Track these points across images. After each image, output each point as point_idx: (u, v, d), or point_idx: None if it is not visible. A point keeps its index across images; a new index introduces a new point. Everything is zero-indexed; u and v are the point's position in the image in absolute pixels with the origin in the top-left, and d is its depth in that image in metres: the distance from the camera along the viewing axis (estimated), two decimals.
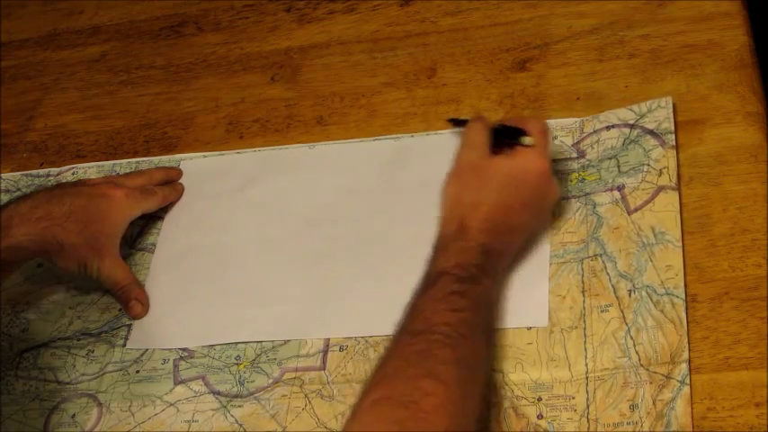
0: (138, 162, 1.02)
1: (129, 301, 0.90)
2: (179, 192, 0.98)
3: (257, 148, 1.00)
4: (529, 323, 0.79)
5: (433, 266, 0.76)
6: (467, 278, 0.74)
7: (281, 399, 0.81)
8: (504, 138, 0.82)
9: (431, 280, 0.75)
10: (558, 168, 0.86)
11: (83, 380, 0.87)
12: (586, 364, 0.75)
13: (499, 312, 0.79)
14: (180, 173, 1.00)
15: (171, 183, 0.99)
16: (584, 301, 0.79)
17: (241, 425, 0.80)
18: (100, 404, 0.85)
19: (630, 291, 0.78)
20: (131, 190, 0.93)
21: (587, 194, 0.85)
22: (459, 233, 0.77)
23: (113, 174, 1.02)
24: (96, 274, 0.90)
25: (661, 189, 0.82)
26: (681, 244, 0.79)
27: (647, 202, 0.82)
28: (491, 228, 0.77)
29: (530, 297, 0.80)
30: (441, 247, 0.78)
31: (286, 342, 0.84)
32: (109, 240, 0.90)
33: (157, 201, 0.96)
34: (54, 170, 1.04)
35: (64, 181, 1.02)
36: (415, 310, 0.73)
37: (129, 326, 0.90)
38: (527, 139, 0.80)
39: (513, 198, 0.79)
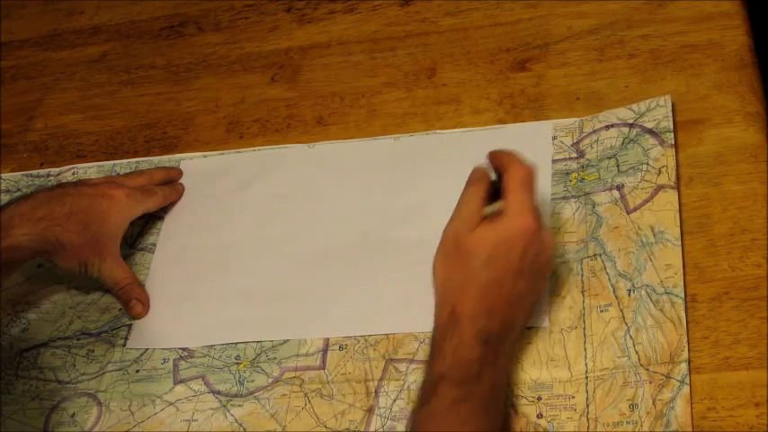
0: (138, 162, 1.02)
1: (130, 300, 0.90)
2: (179, 192, 0.98)
3: (257, 148, 1.00)
4: (529, 323, 0.79)
5: (430, 370, 0.71)
6: (468, 378, 0.69)
7: (281, 398, 0.81)
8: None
9: (430, 388, 0.70)
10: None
11: (83, 379, 0.87)
12: (586, 364, 0.76)
13: (505, 392, 0.74)
14: (180, 173, 1.00)
15: (171, 183, 0.99)
16: (583, 301, 0.79)
17: (241, 424, 0.80)
18: (100, 403, 0.85)
19: (630, 290, 0.78)
20: (132, 190, 0.93)
21: (587, 194, 0.85)
22: (452, 323, 0.71)
23: (114, 174, 1.02)
24: (97, 274, 0.90)
25: (660, 188, 0.82)
26: (680, 243, 0.79)
27: (647, 201, 0.82)
28: (486, 309, 0.72)
29: None
30: (436, 343, 0.72)
31: (286, 341, 0.84)
32: (110, 240, 0.90)
33: (158, 201, 0.96)
34: (54, 170, 1.04)
35: (64, 181, 1.02)
36: (419, 427, 0.69)
37: (130, 326, 0.90)
38: (490, 209, 0.75)
39: (504, 269, 0.72)
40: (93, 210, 0.89)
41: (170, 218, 0.97)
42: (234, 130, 1.03)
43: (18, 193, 1.03)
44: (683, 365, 0.73)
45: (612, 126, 0.88)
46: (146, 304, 0.90)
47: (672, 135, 0.84)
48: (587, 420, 0.73)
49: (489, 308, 0.72)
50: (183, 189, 0.98)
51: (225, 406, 0.82)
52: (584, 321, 0.78)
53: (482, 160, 0.91)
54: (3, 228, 0.85)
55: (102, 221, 0.89)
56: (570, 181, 0.86)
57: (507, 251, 0.73)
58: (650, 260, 0.78)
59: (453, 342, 0.71)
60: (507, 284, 0.73)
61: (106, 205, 0.90)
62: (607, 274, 0.79)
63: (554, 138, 0.90)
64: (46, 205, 0.88)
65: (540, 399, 0.75)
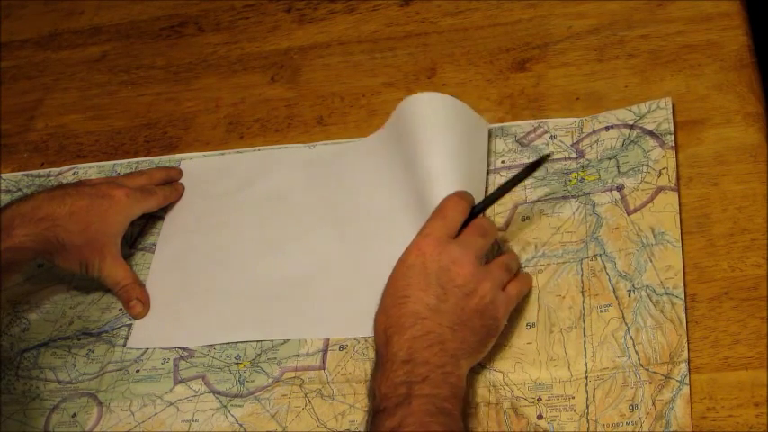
0: (138, 162, 1.02)
1: (130, 300, 0.90)
2: (179, 191, 0.98)
3: (257, 148, 1.00)
4: None
5: (370, 404, 0.73)
6: (396, 405, 0.69)
7: (281, 398, 0.81)
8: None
9: (369, 421, 0.71)
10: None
11: (83, 379, 0.87)
12: (586, 364, 0.76)
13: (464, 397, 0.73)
14: (180, 173, 1.00)
15: (171, 183, 0.99)
16: (583, 301, 0.79)
17: (241, 425, 0.80)
18: (100, 403, 0.85)
19: (630, 291, 0.78)
20: (132, 190, 0.93)
21: (587, 194, 0.85)
22: (379, 352, 0.73)
23: (114, 174, 1.02)
24: (97, 274, 0.90)
25: (660, 190, 0.82)
26: (680, 244, 0.79)
27: (647, 203, 0.82)
28: (391, 326, 0.73)
29: None
30: (373, 374, 0.73)
31: (286, 341, 0.84)
32: (110, 240, 0.90)
33: (158, 201, 0.96)
34: (54, 170, 1.05)
35: (65, 181, 1.02)
36: None
37: (130, 326, 0.90)
38: None
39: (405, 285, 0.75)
40: (94, 210, 0.90)
41: (170, 218, 0.97)
42: (234, 130, 1.03)
43: (18, 194, 1.03)
44: (683, 365, 0.73)
45: (613, 127, 0.88)
46: (146, 304, 0.90)
47: (672, 137, 0.84)
48: (587, 421, 0.73)
49: (392, 324, 0.73)
50: (183, 189, 0.99)
51: (225, 406, 0.82)
52: (584, 321, 0.78)
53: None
54: (3, 229, 0.85)
55: (103, 221, 0.90)
56: (570, 181, 0.86)
57: (406, 271, 0.75)
58: (650, 261, 0.78)
59: (382, 370, 0.72)
60: (409, 300, 0.74)
61: (106, 205, 0.90)
62: (607, 274, 0.79)
63: (554, 137, 0.90)
64: (47, 206, 0.88)
65: (540, 400, 0.75)
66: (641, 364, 0.74)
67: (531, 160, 0.82)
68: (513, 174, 0.82)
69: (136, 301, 0.90)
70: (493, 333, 0.76)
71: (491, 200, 0.82)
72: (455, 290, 0.74)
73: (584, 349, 0.76)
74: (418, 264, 0.75)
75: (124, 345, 0.88)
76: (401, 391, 0.69)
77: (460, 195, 0.80)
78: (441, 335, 0.72)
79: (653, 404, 0.72)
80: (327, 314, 0.85)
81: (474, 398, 0.76)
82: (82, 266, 0.90)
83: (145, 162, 1.02)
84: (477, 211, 0.80)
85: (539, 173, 0.86)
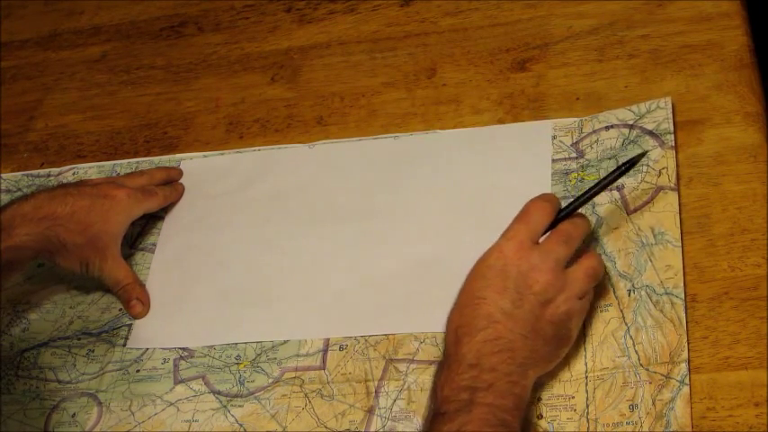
0: (138, 162, 1.02)
1: (131, 300, 0.90)
2: (180, 192, 0.98)
3: (257, 148, 1.00)
4: None
5: (431, 402, 0.71)
6: (456, 411, 0.68)
7: (282, 398, 0.81)
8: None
9: (428, 426, 0.69)
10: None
11: (83, 379, 0.87)
12: (586, 364, 0.76)
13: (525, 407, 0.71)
14: (180, 173, 1.00)
15: (172, 183, 0.99)
16: None
17: (241, 425, 0.80)
18: (100, 403, 0.85)
19: (630, 290, 0.78)
20: (133, 190, 0.93)
21: None
22: (447, 352, 0.72)
23: (114, 174, 1.02)
24: (98, 274, 0.90)
25: (660, 189, 0.82)
26: (680, 244, 0.79)
27: (647, 203, 0.82)
28: (462, 327, 0.72)
29: None
30: (438, 372, 0.72)
31: (286, 341, 0.84)
32: (111, 240, 0.91)
33: (159, 201, 0.96)
34: (54, 170, 1.05)
35: (65, 182, 1.02)
36: None
37: (130, 326, 0.90)
38: None
39: (483, 288, 0.73)
40: (95, 209, 0.90)
41: (170, 218, 0.97)
42: (234, 130, 1.03)
43: (18, 193, 1.03)
44: (683, 365, 0.73)
45: (612, 127, 0.88)
46: (146, 304, 0.91)
47: (672, 137, 0.85)
48: (587, 421, 0.73)
49: (464, 323, 0.72)
50: (184, 189, 0.99)
51: (225, 406, 0.82)
52: (584, 321, 0.78)
53: (482, 159, 0.91)
54: (4, 228, 0.85)
55: (104, 221, 0.90)
56: (570, 181, 0.86)
57: (485, 272, 0.73)
58: (650, 261, 0.78)
59: (447, 372, 0.70)
60: (484, 302, 0.72)
61: (108, 205, 0.90)
62: (607, 274, 0.79)
63: (554, 137, 0.90)
64: (48, 205, 0.88)
65: (539, 399, 0.75)
66: (641, 364, 0.74)
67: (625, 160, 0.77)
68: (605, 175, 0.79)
69: (136, 300, 0.90)
70: (564, 344, 0.74)
71: (578, 204, 0.77)
72: (531, 297, 0.72)
73: (584, 349, 0.76)
74: (498, 266, 0.73)
75: (124, 345, 0.88)
76: (463, 397, 0.68)
77: (546, 198, 0.77)
78: (511, 341, 0.71)
79: (653, 404, 0.72)
80: (327, 314, 0.85)
81: None
82: (82, 266, 0.90)
83: (145, 162, 1.02)
84: (562, 216, 0.77)
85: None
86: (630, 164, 0.76)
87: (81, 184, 0.94)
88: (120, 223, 0.91)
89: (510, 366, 0.70)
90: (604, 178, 0.77)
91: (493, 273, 0.73)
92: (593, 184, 0.77)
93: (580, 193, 0.82)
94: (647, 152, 0.81)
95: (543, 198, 0.77)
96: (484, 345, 0.70)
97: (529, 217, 0.76)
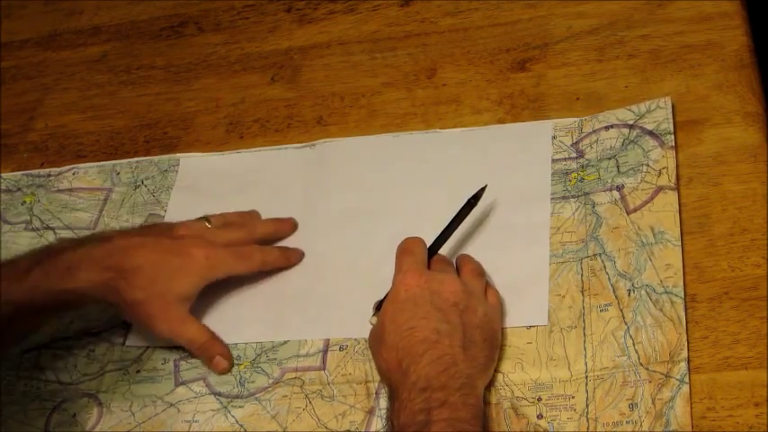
0: (138, 162, 1.02)
1: (213, 358, 0.84)
2: (290, 261, 0.88)
3: (257, 148, 1.00)
4: (528, 322, 0.79)
5: None
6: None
7: (282, 399, 0.81)
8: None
9: None
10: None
11: (84, 380, 0.87)
12: (586, 364, 0.76)
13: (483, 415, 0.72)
14: (293, 227, 0.91)
15: (279, 240, 0.90)
16: (583, 301, 0.79)
17: (242, 426, 0.80)
18: (100, 404, 0.85)
19: (630, 290, 0.78)
20: (217, 250, 0.85)
21: (586, 194, 0.85)
22: (403, 378, 0.72)
23: (114, 174, 1.01)
24: (167, 335, 0.84)
25: (660, 189, 0.82)
26: (680, 243, 0.79)
27: (647, 203, 0.82)
28: (404, 358, 0.73)
29: (529, 295, 0.81)
30: (390, 408, 0.74)
31: (286, 342, 0.84)
32: (175, 299, 0.83)
33: (252, 266, 0.87)
34: (55, 170, 1.04)
35: (65, 182, 1.02)
36: None
37: (129, 324, 0.89)
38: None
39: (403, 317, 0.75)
40: (165, 267, 0.83)
41: (170, 218, 0.97)
42: (234, 130, 1.03)
43: (18, 193, 1.03)
44: (683, 365, 0.73)
45: (612, 127, 0.88)
46: (229, 358, 0.84)
47: (672, 137, 0.85)
48: (587, 420, 0.73)
49: (405, 356, 0.73)
50: (301, 256, 0.89)
51: (226, 407, 0.82)
52: (583, 321, 0.78)
53: (482, 158, 0.91)
54: (69, 268, 0.81)
55: (170, 280, 0.83)
56: (570, 181, 0.86)
57: (401, 306, 0.76)
58: (650, 260, 0.78)
59: (398, 401, 0.71)
60: (416, 330, 0.74)
61: (179, 264, 0.84)
62: (607, 273, 0.79)
63: (553, 137, 0.90)
64: (119, 255, 0.83)
65: (540, 399, 0.75)
66: (641, 364, 0.74)
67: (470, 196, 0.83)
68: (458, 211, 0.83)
69: (219, 358, 0.84)
70: (495, 345, 0.77)
71: (442, 240, 0.82)
72: (452, 309, 0.75)
73: (584, 349, 0.76)
74: (411, 296, 0.76)
75: (123, 343, 0.88)
76: (420, 419, 0.68)
77: (413, 237, 0.81)
78: (453, 356, 0.72)
79: (653, 403, 0.72)
80: (328, 315, 0.85)
81: None
82: (144, 324, 0.84)
83: (145, 161, 1.02)
84: (433, 251, 0.82)
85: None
86: (475, 198, 0.83)
87: (166, 232, 0.87)
88: (190, 284, 0.84)
89: (459, 380, 0.71)
90: (457, 215, 0.83)
91: (410, 304, 0.75)
92: (450, 221, 0.83)
93: (577, 193, 0.82)
94: (484, 187, 0.83)
95: (410, 238, 0.81)
96: (430, 366, 0.71)
97: (411, 251, 0.79)
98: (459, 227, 0.83)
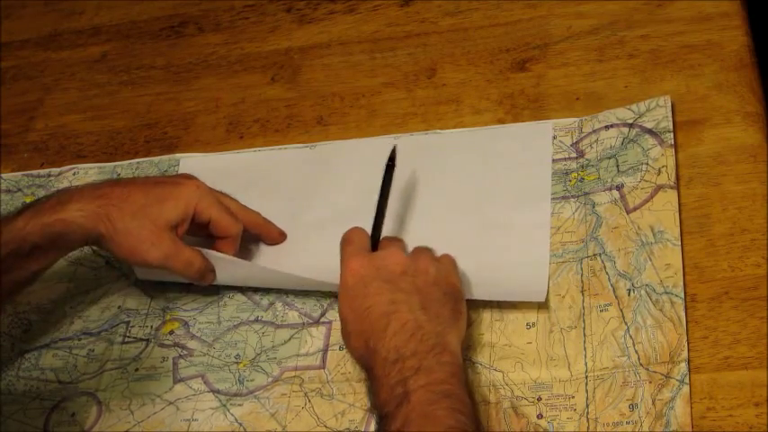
0: (138, 162, 1.02)
1: (206, 275, 0.85)
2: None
3: (257, 148, 1.00)
4: (527, 297, 0.79)
5: (375, 416, 0.73)
6: (396, 406, 0.69)
7: (281, 397, 0.81)
8: None
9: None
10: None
11: (83, 379, 0.87)
12: (586, 364, 0.76)
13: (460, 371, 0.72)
14: (280, 237, 0.91)
15: (269, 235, 0.91)
16: (583, 301, 0.79)
17: (241, 424, 0.80)
18: (99, 402, 0.85)
19: (630, 290, 0.78)
20: (209, 188, 0.86)
21: (586, 194, 0.85)
22: (373, 358, 0.73)
23: (115, 175, 1.01)
24: (157, 262, 0.83)
25: (660, 188, 0.82)
26: (680, 243, 0.79)
27: (646, 201, 0.82)
28: (369, 332, 0.74)
29: (529, 271, 0.81)
30: (369, 389, 0.75)
31: (286, 342, 0.84)
32: (167, 225, 0.83)
33: (229, 216, 0.86)
34: (55, 170, 1.04)
35: (65, 182, 1.02)
36: None
37: (128, 323, 0.89)
38: None
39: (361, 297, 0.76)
40: (154, 192, 0.83)
41: None
42: (234, 130, 1.03)
43: (18, 194, 1.03)
44: (683, 365, 0.73)
45: (612, 126, 0.88)
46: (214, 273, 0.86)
47: (671, 135, 0.85)
48: (587, 420, 0.73)
49: (369, 336, 0.73)
50: (282, 237, 0.91)
51: (225, 405, 0.82)
52: (583, 321, 0.78)
53: (482, 159, 0.91)
54: (62, 201, 0.81)
55: (160, 203, 0.83)
56: (570, 181, 0.87)
57: (353, 292, 0.76)
58: (650, 260, 0.78)
59: (374, 384, 0.72)
60: (372, 308, 0.75)
61: (168, 190, 0.84)
62: (607, 273, 0.79)
63: (554, 137, 0.90)
64: (109, 186, 0.84)
65: (540, 399, 0.75)
66: (641, 364, 0.74)
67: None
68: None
69: (211, 274, 0.86)
70: (458, 297, 0.77)
71: (379, 219, 0.82)
72: (402, 277, 0.76)
73: (584, 349, 0.76)
74: (358, 279, 0.76)
75: (122, 342, 0.88)
76: (398, 391, 0.69)
77: (352, 227, 0.82)
78: (416, 320, 0.73)
79: (653, 403, 0.72)
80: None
81: (474, 397, 0.76)
82: (134, 252, 0.82)
83: (145, 162, 1.02)
84: (375, 234, 0.82)
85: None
86: (391, 160, 0.82)
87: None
88: (179, 209, 0.83)
89: (428, 342, 0.71)
90: (382, 185, 0.82)
91: (359, 287, 0.76)
92: (379, 195, 0.82)
93: (577, 193, 0.82)
94: (395, 145, 0.83)
95: (350, 229, 0.82)
96: (396, 337, 0.72)
97: (350, 240, 0.80)
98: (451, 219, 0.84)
